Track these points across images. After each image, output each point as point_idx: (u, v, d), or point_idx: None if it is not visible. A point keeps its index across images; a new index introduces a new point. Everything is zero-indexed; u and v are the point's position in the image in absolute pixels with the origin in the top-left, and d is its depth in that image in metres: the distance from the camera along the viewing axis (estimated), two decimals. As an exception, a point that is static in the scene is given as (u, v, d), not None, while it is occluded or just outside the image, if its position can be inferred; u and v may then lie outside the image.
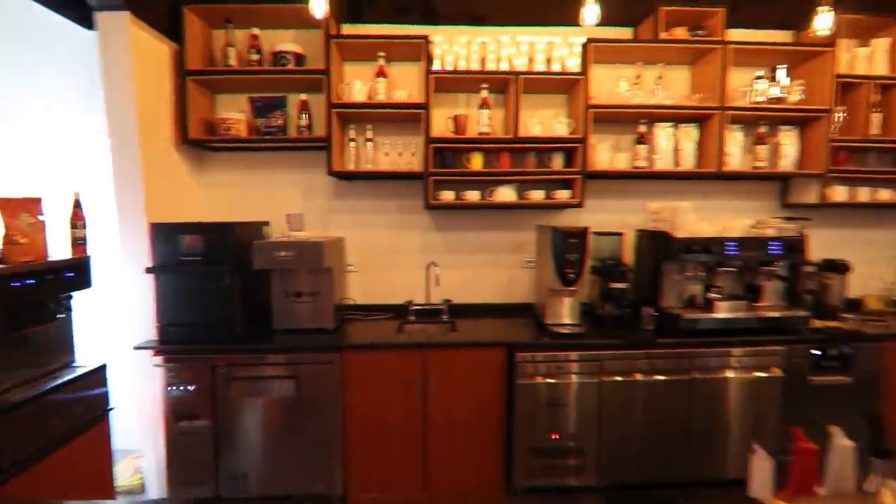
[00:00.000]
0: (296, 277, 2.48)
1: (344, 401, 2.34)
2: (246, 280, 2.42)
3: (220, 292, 2.34)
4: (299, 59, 2.74)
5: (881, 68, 2.86)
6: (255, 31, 2.66)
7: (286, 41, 2.73)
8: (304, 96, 2.75)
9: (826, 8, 2.02)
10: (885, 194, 2.94)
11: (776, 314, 2.49)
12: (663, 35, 2.76)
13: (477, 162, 2.78)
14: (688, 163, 2.80)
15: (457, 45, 2.73)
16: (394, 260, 2.99)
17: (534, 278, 2.95)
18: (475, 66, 2.73)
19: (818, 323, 2.60)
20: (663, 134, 2.80)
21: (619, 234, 2.77)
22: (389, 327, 2.65)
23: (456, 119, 2.79)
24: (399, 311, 2.91)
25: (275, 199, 2.93)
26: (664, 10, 2.73)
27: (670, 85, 2.91)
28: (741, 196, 3.08)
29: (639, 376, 2.37)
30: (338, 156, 2.71)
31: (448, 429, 2.39)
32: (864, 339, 2.49)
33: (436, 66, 2.69)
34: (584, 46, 2.69)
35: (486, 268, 3.02)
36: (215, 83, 2.76)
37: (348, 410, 2.35)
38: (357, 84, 2.69)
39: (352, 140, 2.80)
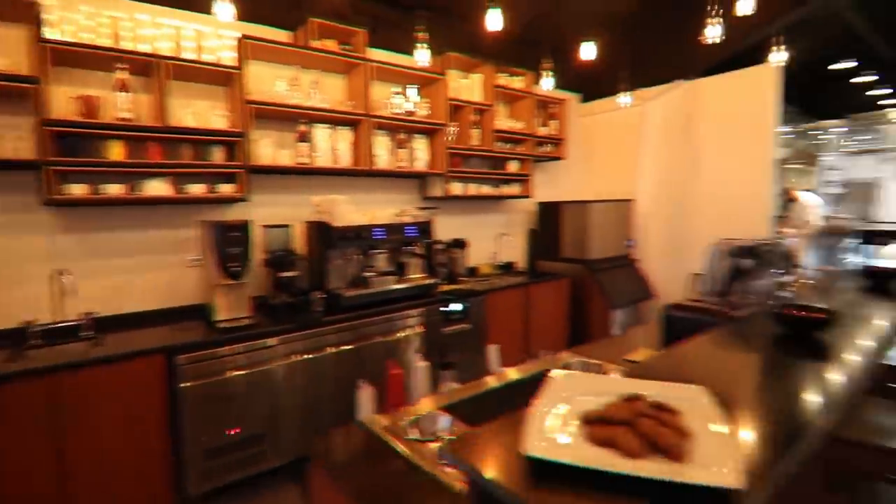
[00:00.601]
0: None
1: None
2: None
3: None
4: None
5: (477, 96, 3.89)
6: None
7: None
8: None
9: (423, 46, 2.62)
10: (486, 189, 4.04)
11: (416, 284, 3.12)
12: (316, 44, 3.03)
13: (117, 151, 2.45)
14: (345, 161, 3.18)
15: (78, 14, 2.33)
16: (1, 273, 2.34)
17: (201, 276, 2.81)
18: (108, 43, 2.39)
19: (446, 287, 3.38)
20: (322, 134, 3.09)
21: (287, 227, 2.93)
22: (-2, 357, 2.08)
23: (85, 100, 2.38)
24: (15, 337, 2.30)
25: None
26: (315, 21, 2.99)
27: (328, 90, 3.23)
28: (393, 190, 3.69)
29: (311, 354, 2.59)
30: None
31: (100, 462, 2.06)
32: (475, 294, 3.39)
33: (52, 35, 2.23)
34: (239, 41, 2.71)
35: (142, 271, 2.70)
36: None
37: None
38: None
39: None
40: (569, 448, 0.72)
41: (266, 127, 3.01)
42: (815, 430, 0.88)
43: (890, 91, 5.86)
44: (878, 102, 6.26)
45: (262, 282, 2.86)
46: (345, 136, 3.20)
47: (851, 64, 4.99)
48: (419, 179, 3.83)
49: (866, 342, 1.35)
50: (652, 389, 0.88)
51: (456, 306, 3.22)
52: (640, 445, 0.70)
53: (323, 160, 3.08)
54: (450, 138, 3.67)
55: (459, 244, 3.78)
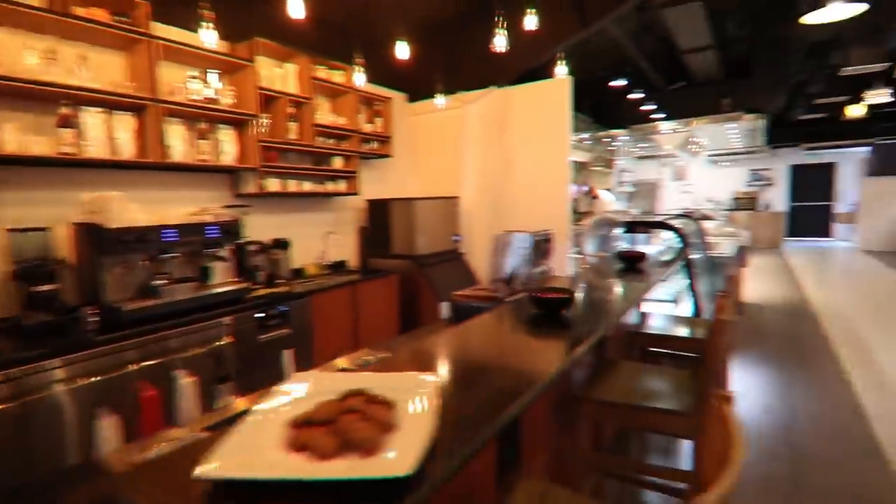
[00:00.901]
0: None
1: None
2: None
3: None
4: None
5: (293, 87, 3.69)
6: None
7: None
8: None
9: (208, 25, 2.37)
10: (308, 186, 3.88)
11: (223, 290, 2.84)
12: (80, 12, 2.54)
13: None
14: (127, 152, 2.74)
15: None
16: None
17: None
18: None
19: (264, 291, 3.15)
20: (94, 120, 2.61)
21: (45, 230, 2.42)
22: None
23: None
24: None
25: None
26: (78, -16, 2.52)
27: (102, 68, 2.74)
28: (200, 187, 3.31)
29: (79, 383, 2.16)
30: None
31: None
32: (295, 297, 3.22)
33: None
34: (-40, -3, 2.14)
35: None
36: None
37: None
38: None
39: None
40: (254, 459, 0.68)
41: (12, 108, 2.44)
42: (531, 394, 0.98)
43: (655, 107, 7.20)
44: (651, 116, 7.64)
45: (9, 300, 2.32)
46: (126, 124, 2.75)
47: (624, 82, 6.00)
48: (230, 175, 3.51)
49: (601, 315, 1.59)
50: (380, 382, 0.89)
51: (272, 311, 3.02)
52: (334, 445, 0.69)
53: (97, 150, 2.61)
54: (262, 130, 3.42)
55: (281, 244, 3.56)
